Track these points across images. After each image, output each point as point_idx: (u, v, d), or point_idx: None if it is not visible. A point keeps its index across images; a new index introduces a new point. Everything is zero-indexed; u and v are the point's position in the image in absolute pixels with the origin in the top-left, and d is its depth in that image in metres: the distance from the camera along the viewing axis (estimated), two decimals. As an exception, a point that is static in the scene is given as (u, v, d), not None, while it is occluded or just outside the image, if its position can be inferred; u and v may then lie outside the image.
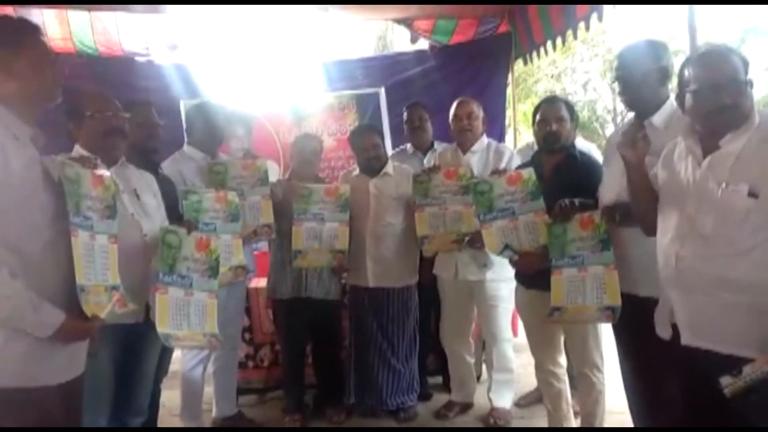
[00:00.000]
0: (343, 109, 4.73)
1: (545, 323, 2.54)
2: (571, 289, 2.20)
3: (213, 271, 2.11)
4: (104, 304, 1.63)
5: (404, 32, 4.96)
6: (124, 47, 4.38)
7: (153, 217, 2.09)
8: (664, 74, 2.08)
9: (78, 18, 4.16)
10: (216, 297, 2.12)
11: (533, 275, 2.42)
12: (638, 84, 2.06)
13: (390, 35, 9.54)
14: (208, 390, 3.14)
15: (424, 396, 3.35)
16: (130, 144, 2.24)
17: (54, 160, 1.59)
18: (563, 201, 2.25)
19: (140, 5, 3.95)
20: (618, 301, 2.11)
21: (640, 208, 1.89)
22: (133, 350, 2.02)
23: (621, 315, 2.17)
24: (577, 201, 2.24)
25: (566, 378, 2.66)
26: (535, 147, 2.78)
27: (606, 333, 2.45)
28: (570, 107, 2.58)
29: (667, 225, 1.76)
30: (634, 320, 2.08)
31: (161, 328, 1.95)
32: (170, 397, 2.96)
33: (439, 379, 3.56)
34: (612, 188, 2.16)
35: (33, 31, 1.57)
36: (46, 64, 1.56)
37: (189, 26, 4.81)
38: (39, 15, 3.96)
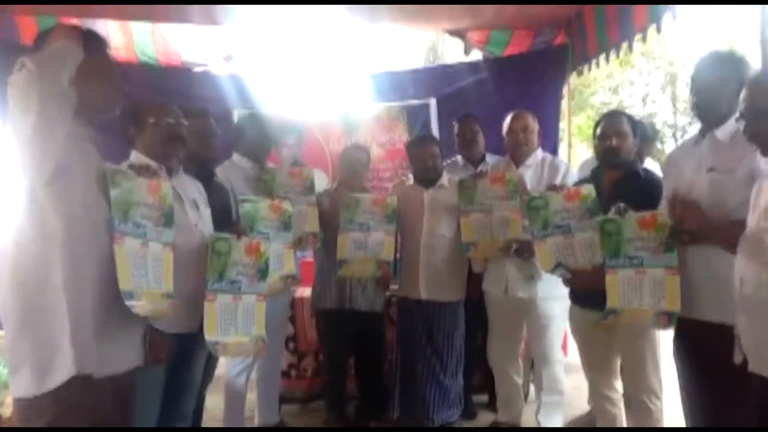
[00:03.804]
0: (392, 120, 4.72)
1: (602, 345, 2.45)
2: (628, 290, 2.08)
3: (262, 273, 2.11)
4: (163, 309, 1.67)
5: (456, 44, 4.91)
6: (182, 58, 4.51)
7: (210, 227, 2.12)
8: (740, 88, 1.96)
9: (140, 28, 4.31)
10: (264, 299, 2.13)
11: (590, 294, 2.32)
12: (713, 92, 1.96)
13: (441, 46, 9.51)
14: (251, 397, 3.15)
15: (469, 414, 3.26)
16: (188, 153, 2.28)
17: (108, 168, 1.63)
18: (619, 204, 2.14)
19: (197, 17, 4.05)
20: (677, 307, 1.98)
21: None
22: (184, 358, 2.04)
23: (684, 341, 2.05)
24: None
25: (622, 404, 2.53)
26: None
27: (665, 355, 2.32)
28: (633, 122, 2.48)
29: (741, 245, 1.66)
30: (699, 347, 1.96)
31: (209, 336, 1.96)
32: (214, 403, 2.98)
33: (483, 398, 3.46)
34: None
35: (100, 43, 1.65)
36: (108, 76, 1.64)
37: (243, 38, 4.92)
38: (103, 24, 4.11)
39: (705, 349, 1.92)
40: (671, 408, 2.33)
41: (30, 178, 1.42)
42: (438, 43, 9.45)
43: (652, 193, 2.29)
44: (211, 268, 1.98)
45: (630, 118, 2.51)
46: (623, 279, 2.09)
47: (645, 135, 3.06)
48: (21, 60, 1.40)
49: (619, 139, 2.41)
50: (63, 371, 1.40)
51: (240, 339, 2.03)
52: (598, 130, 2.48)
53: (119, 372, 1.57)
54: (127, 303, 1.54)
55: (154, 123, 2.02)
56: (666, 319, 2.01)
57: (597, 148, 2.51)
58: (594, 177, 2.52)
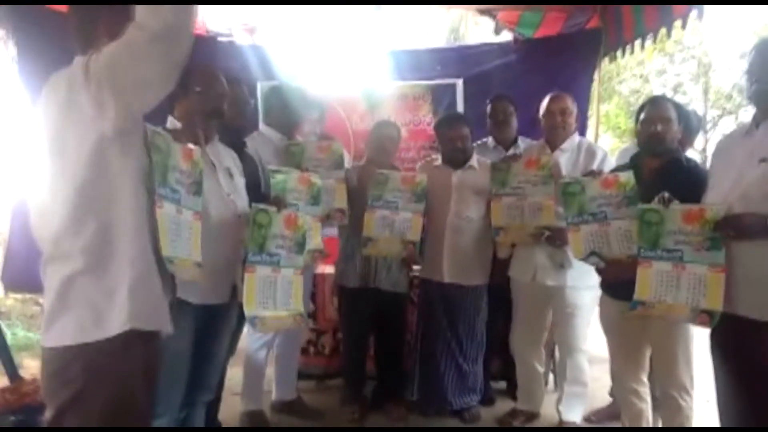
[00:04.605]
0: (417, 100, 4.61)
1: (633, 337, 2.39)
2: (661, 285, 2.01)
3: (300, 247, 2.09)
4: (195, 276, 1.64)
5: (478, 25, 4.79)
6: (207, 27, 4.43)
7: (244, 197, 2.07)
8: None
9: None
10: (302, 273, 2.10)
11: (623, 284, 2.25)
12: None
13: (463, 28, 9.33)
14: (270, 372, 3.13)
15: (487, 401, 3.23)
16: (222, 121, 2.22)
17: (148, 128, 1.57)
18: (663, 194, 2.06)
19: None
20: (719, 306, 1.89)
21: None
22: (211, 329, 2.00)
23: (723, 338, 1.98)
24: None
25: (649, 398, 2.48)
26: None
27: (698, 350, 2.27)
28: (678, 108, 2.40)
29: None
30: (740, 345, 1.89)
31: (249, 309, 1.93)
32: (233, 375, 2.96)
33: (502, 384, 3.43)
34: (719, 199, 1.98)
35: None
36: None
37: (268, 9, 4.83)
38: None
39: (745, 347, 1.86)
40: (701, 405, 2.28)
41: (100, 126, 1.33)
42: (460, 24, 9.28)
43: (695, 183, 2.21)
44: (251, 240, 1.95)
45: (675, 104, 2.42)
46: (658, 272, 2.02)
47: (689, 124, 2.97)
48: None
49: (663, 126, 2.32)
50: (118, 322, 1.33)
51: (278, 314, 2.00)
52: (642, 115, 2.39)
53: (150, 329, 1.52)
54: (169, 268, 1.50)
55: (199, 93, 1.96)
56: (706, 317, 1.93)
57: (640, 134, 2.42)
58: (634, 164, 2.44)
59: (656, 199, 2.06)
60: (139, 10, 1.28)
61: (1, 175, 4.98)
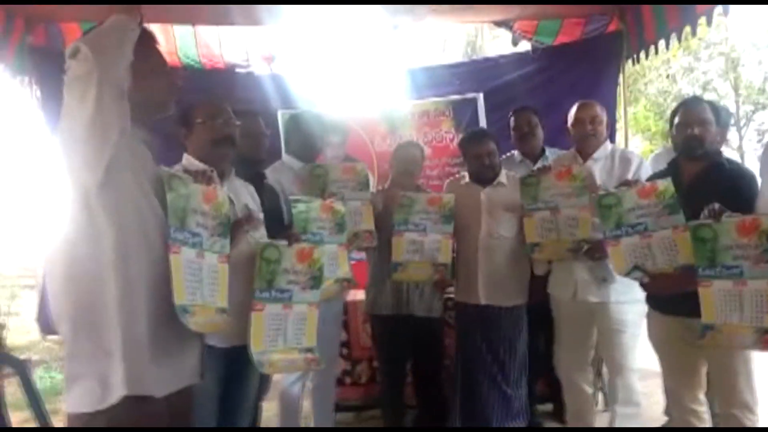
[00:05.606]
0: (438, 116, 4.56)
1: (686, 354, 2.25)
2: (725, 304, 1.87)
3: (316, 281, 2.00)
4: (217, 325, 1.55)
5: (495, 38, 4.74)
6: (225, 59, 4.47)
7: (263, 233, 2.02)
8: None
9: (182, 32, 4.28)
10: (317, 308, 2.01)
11: (671, 299, 2.13)
12: None
13: (480, 41, 9.29)
14: (306, 405, 3.05)
15: (535, 425, 3.08)
16: (238, 154, 2.19)
17: (164, 172, 1.54)
18: (713, 205, 1.94)
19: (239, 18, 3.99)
20: None
21: None
22: (238, 373, 1.95)
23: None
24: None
25: (708, 416, 2.33)
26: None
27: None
28: (715, 109, 2.28)
29: None
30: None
31: (255, 349, 1.84)
32: (269, 409, 2.89)
33: (548, 406, 3.28)
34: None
35: (150, 39, 1.54)
36: (161, 72, 1.53)
37: (285, 38, 4.86)
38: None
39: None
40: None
41: (83, 180, 1.32)
42: (477, 38, 9.24)
43: (740, 186, 2.09)
44: (259, 276, 1.87)
45: (712, 105, 2.31)
46: (720, 291, 1.88)
47: (719, 121, 2.84)
48: (75, 45, 1.29)
49: (701, 128, 2.21)
50: (115, 391, 1.31)
51: (289, 351, 1.91)
52: (677, 119, 2.28)
53: (175, 390, 1.47)
54: (182, 319, 1.44)
55: (202, 123, 1.95)
56: None
57: (675, 138, 2.30)
58: (671, 170, 2.32)
59: (705, 212, 1.93)
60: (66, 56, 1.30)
61: (35, 218, 5.08)
